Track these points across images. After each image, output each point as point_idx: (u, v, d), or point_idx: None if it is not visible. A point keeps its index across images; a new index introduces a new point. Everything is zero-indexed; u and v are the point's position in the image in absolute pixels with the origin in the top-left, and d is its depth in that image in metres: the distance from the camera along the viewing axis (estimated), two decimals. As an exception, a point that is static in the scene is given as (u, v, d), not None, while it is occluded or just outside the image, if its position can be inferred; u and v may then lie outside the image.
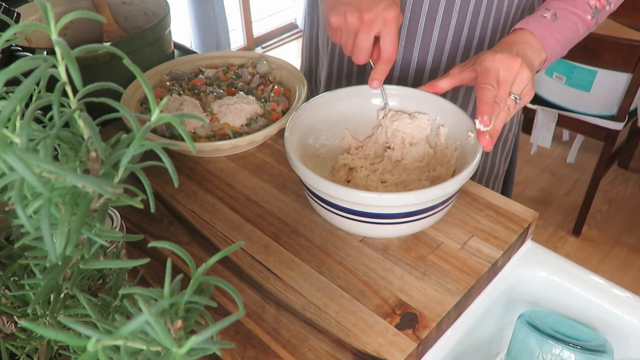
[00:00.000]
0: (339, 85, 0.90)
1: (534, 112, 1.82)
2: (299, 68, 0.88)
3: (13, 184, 0.22)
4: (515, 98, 0.59)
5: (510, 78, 0.58)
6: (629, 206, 2.07)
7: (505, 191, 1.03)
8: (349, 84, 0.88)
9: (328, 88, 0.93)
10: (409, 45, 0.79)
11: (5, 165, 0.21)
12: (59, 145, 0.27)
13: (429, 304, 0.53)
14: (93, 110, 0.28)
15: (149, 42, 0.84)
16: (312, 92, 1.01)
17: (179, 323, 0.24)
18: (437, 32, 0.77)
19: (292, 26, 3.32)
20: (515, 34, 0.65)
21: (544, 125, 1.81)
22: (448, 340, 0.55)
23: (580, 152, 2.12)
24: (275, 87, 0.80)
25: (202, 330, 0.23)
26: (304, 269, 0.57)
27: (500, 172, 0.96)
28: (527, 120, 2.31)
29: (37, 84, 0.29)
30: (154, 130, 0.72)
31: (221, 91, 0.80)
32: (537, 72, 0.66)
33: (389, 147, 0.68)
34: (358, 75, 0.87)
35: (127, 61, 0.26)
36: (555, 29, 0.66)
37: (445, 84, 0.64)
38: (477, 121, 0.56)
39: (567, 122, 1.78)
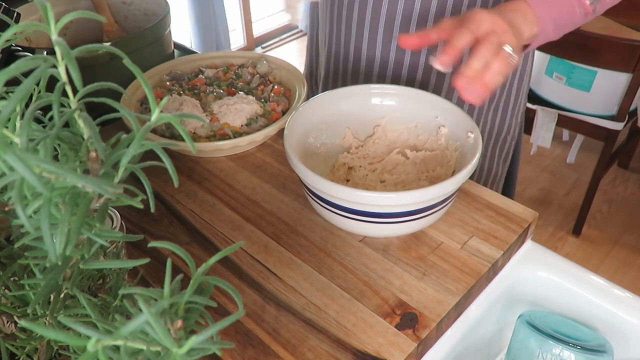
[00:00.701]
0: (335, 83, 0.91)
1: (534, 112, 1.82)
2: (301, 68, 0.88)
3: (13, 184, 0.22)
4: (512, 51, 0.56)
5: (497, 30, 0.57)
6: (629, 206, 2.07)
7: (506, 194, 1.03)
8: (344, 82, 0.89)
9: (325, 86, 0.94)
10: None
11: (5, 165, 0.21)
12: (59, 145, 0.27)
13: (429, 304, 0.53)
14: (93, 110, 0.28)
15: (149, 42, 0.84)
16: (313, 92, 1.01)
17: (179, 323, 0.24)
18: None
19: (292, 26, 3.32)
20: (512, 2, 0.64)
21: (544, 125, 1.81)
22: (448, 340, 0.55)
23: (580, 152, 2.12)
24: (275, 87, 0.80)
25: (202, 330, 0.23)
26: (304, 269, 0.57)
27: (498, 174, 0.96)
28: (527, 120, 2.30)
29: (37, 84, 0.29)
30: (154, 130, 0.72)
31: (221, 91, 0.80)
32: (524, 48, 0.65)
33: (396, 150, 0.69)
34: (352, 74, 0.87)
35: (127, 61, 0.26)
36: (552, 8, 0.65)
37: (435, 35, 0.61)
38: (431, 57, 0.54)
39: (567, 122, 1.78)
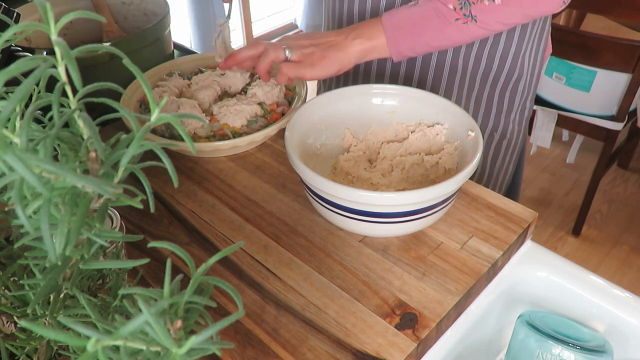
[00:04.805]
0: (330, 83, 0.91)
1: (534, 112, 1.82)
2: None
3: (13, 184, 0.22)
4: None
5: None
6: (628, 206, 2.07)
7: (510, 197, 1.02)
8: (337, 83, 0.89)
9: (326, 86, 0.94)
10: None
11: (5, 165, 0.21)
12: (58, 145, 0.27)
13: (428, 304, 0.53)
14: (93, 110, 0.28)
15: (149, 42, 0.84)
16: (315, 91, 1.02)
17: (179, 323, 0.24)
18: None
19: (292, 26, 3.32)
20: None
21: (544, 125, 1.81)
22: (448, 340, 0.55)
23: (580, 152, 2.12)
24: (275, 87, 0.80)
25: (201, 330, 0.23)
26: (304, 269, 0.57)
27: (501, 176, 0.96)
28: (527, 120, 2.30)
29: (37, 84, 0.29)
30: (154, 131, 0.72)
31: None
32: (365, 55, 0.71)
33: (394, 142, 0.69)
34: (353, 72, 0.87)
35: (127, 61, 0.26)
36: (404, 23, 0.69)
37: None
38: None
39: (567, 122, 1.78)
